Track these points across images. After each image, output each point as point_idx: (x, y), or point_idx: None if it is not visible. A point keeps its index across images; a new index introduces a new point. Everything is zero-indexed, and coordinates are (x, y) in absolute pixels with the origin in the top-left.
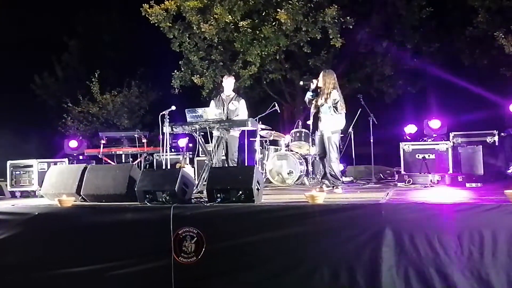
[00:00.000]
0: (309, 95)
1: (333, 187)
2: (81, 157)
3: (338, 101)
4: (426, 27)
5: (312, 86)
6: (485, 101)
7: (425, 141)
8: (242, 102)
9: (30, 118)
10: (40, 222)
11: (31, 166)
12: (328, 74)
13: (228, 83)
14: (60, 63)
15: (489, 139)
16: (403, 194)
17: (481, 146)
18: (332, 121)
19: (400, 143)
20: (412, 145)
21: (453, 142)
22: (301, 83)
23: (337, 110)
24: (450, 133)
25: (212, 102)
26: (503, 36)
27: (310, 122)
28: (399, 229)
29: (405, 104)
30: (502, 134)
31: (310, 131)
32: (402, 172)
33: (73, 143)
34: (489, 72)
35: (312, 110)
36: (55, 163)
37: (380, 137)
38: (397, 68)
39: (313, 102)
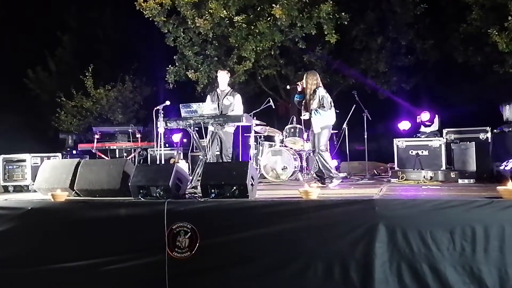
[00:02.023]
0: (297, 97)
1: (325, 178)
2: (74, 152)
3: (323, 98)
4: (420, 24)
5: (299, 89)
6: (479, 97)
7: (418, 137)
8: (237, 97)
9: (23, 112)
10: (33, 216)
11: (24, 160)
12: (309, 74)
13: (221, 77)
14: (54, 58)
15: (482, 136)
16: (397, 190)
17: (474, 142)
18: (320, 117)
19: (394, 139)
20: (406, 141)
21: (446, 139)
22: (288, 87)
23: (324, 107)
24: (444, 130)
25: (208, 97)
26: (496, 33)
27: (303, 117)
28: (392, 224)
29: (399, 100)
30: (495, 130)
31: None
32: (396, 168)
33: None
34: (483, 69)
35: (303, 110)
36: (49, 158)
37: (374, 133)
38: (392, 65)
39: (302, 103)
